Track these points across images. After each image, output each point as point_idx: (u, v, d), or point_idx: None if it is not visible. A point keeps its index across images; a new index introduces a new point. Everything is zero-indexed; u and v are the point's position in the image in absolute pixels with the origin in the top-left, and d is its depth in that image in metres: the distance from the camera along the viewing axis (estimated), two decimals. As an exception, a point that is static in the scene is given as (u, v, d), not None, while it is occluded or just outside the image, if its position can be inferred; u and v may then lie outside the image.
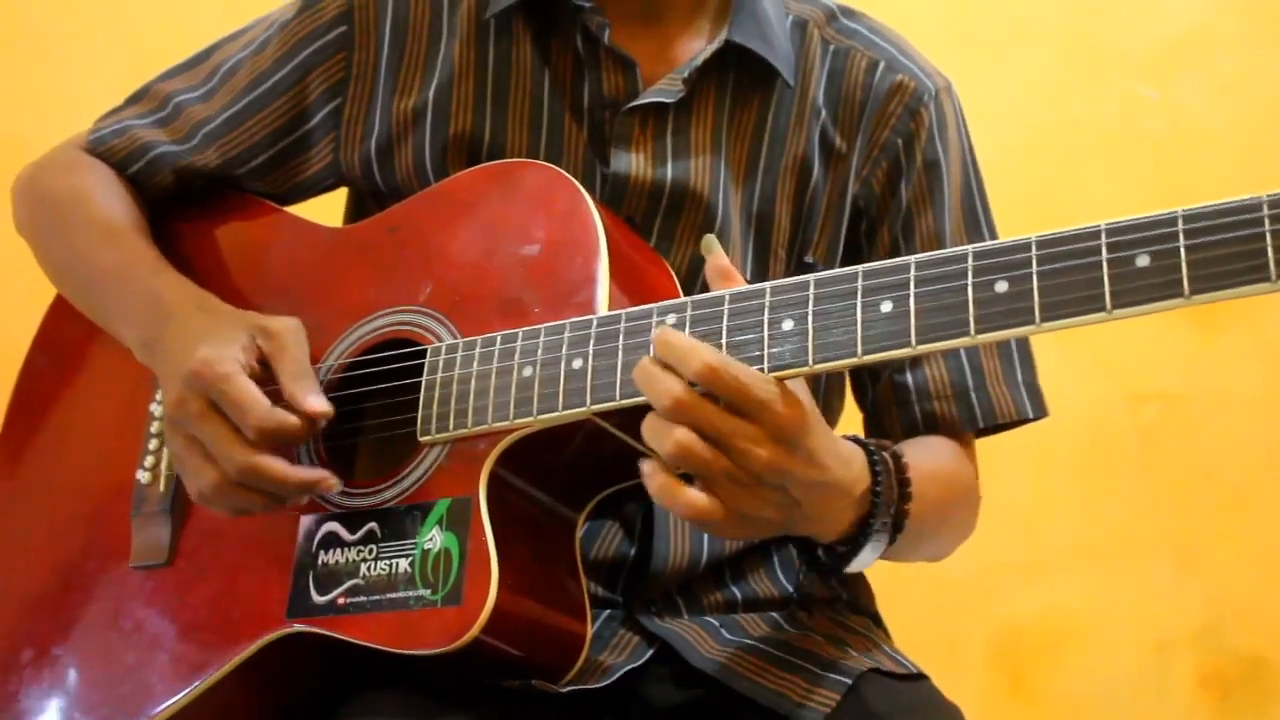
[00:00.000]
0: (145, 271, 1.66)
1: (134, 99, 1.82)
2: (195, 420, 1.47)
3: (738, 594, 1.62)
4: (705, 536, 1.60)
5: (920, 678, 1.58)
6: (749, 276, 1.64)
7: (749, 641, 1.55)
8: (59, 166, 1.80)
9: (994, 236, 1.72)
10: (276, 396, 1.48)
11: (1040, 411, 1.69)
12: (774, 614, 1.62)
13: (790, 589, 1.65)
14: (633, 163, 1.61)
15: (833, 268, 1.64)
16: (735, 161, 1.65)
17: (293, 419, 1.45)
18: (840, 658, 1.53)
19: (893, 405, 1.67)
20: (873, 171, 1.68)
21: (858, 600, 1.71)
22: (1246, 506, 2.74)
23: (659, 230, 1.63)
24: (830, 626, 1.62)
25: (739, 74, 1.66)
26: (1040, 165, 2.89)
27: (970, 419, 1.66)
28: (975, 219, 1.72)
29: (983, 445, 1.72)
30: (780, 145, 1.66)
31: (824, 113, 1.68)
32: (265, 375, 1.50)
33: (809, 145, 1.66)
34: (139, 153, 1.76)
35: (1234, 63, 2.96)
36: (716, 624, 1.58)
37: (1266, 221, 1.14)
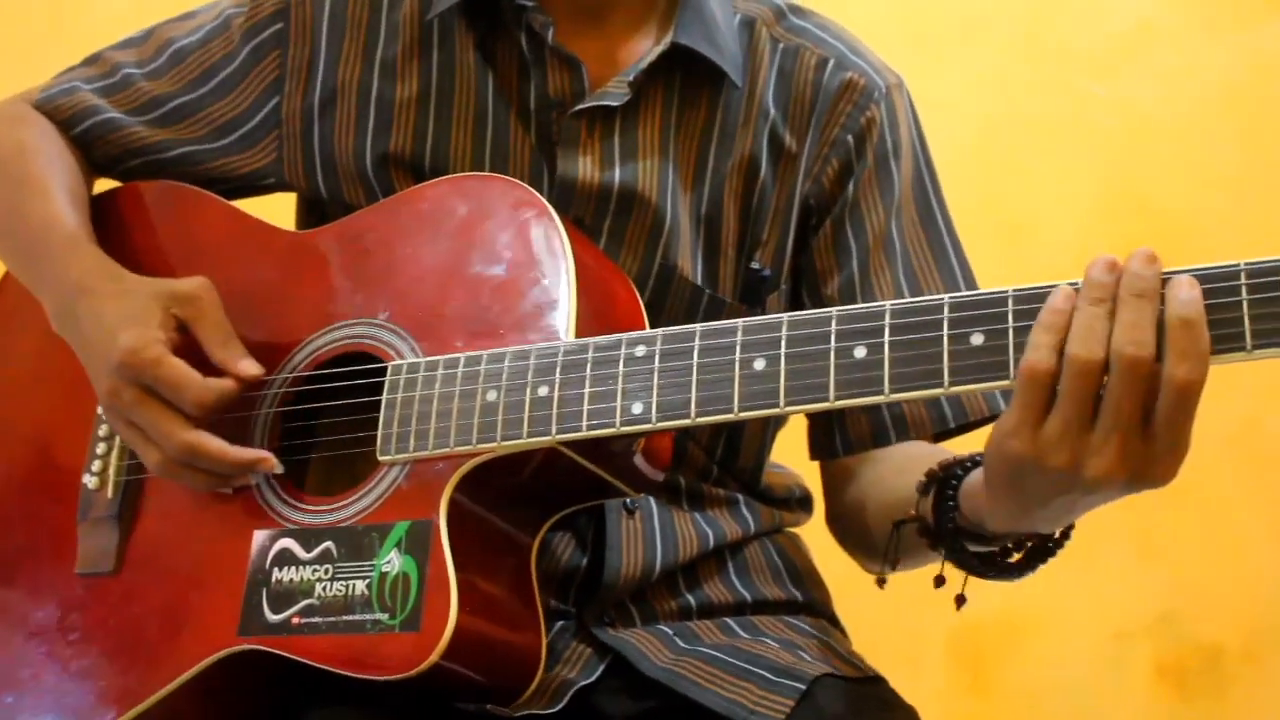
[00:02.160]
0: (61, 238, 1.65)
1: (87, 62, 1.81)
2: (131, 408, 1.50)
3: (692, 601, 1.62)
4: (659, 546, 1.59)
5: (876, 680, 1.58)
6: (699, 279, 1.64)
7: (703, 649, 1.55)
8: (5, 119, 1.79)
9: (950, 232, 1.72)
10: (201, 360, 1.51)
11: None
12: (728, 619, 1.62)
13: (745, 594, 1.64)
14: (580, 166, 1.60)
15: (781, 270, 1.67)
16: (683, 164, 1.64)
17: (230, 384, 1.50)
18: (794, 663, 1.52)
19: (858, 409, 1.64)
20: (823, 169, 1.67)
21: (814, 603, 1.70)
22: (1202, 496, 2.77)
23: (608, 233, 1.61)
24: (785, 630, 1.62)
25: (685, 76, 1.64)
26: (990, 162, 2.90)
27: (940, 418, 1.64)
28: (930, 215, 1.71)
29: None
30: (728, 146, 1.65)
31: (773, 112, 1.66)
32: (186, 340, 1.53)
33: (756, 145, 1.65)
34: (84, 114, 1.76)
35: (1178, 56, 2.98)
36: (670, 632, 1.58)
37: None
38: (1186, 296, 1.15)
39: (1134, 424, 1.17)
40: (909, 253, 1.68)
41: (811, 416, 1.70)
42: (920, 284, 1.67)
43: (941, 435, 1.65)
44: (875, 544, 1.57)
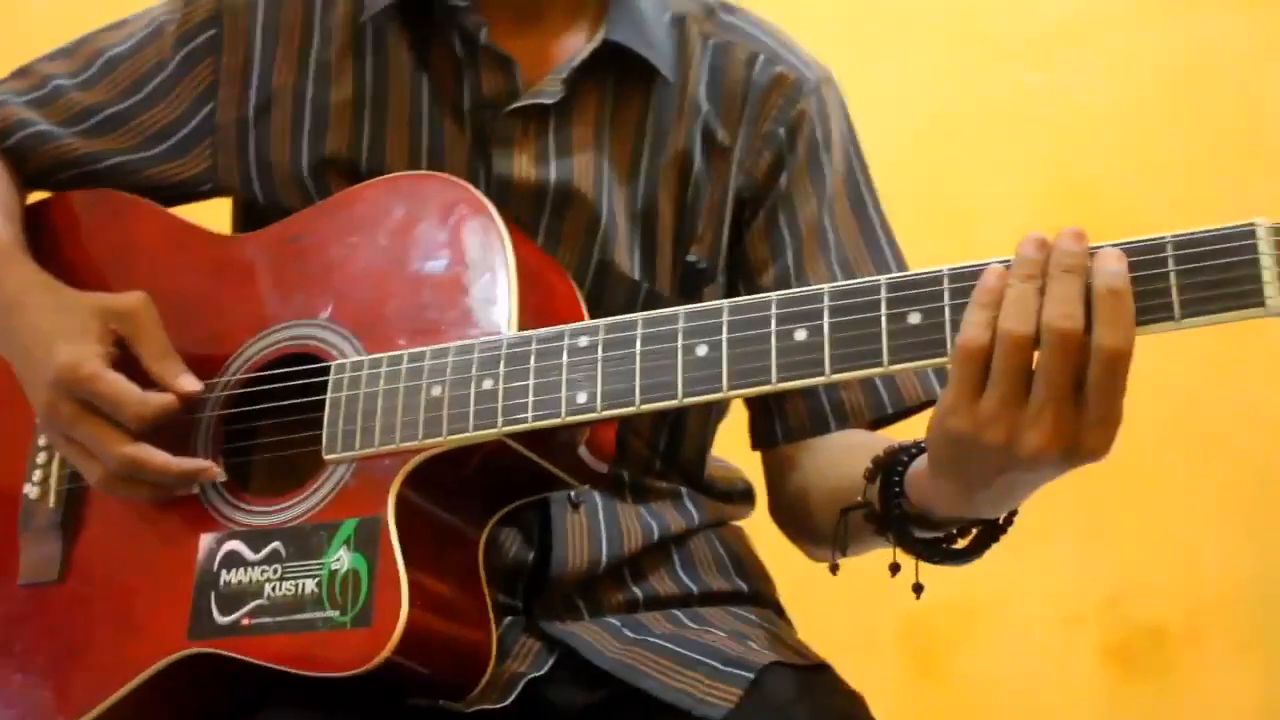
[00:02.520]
0: None
1: (15, 75, 1.79)
2: (70, 423, 1.50)
3: (639, 593, 1.62)
4: (604, 539, 1.60)
5: (822, 667, 1.59)
6: (637, 274, 1.64)
7: (651, 639, 1.55)
8: None
9: (881, 220, 1.73)
10: (140, 374, 1.51)
11: None
12: (676, 611, 1.63)
13: (691, 586, 1.65)
14: (515, 164, 1.61)
15: (718, 263, 1.68)
16: (618, 160, 1.65)
17: (169, 399, 1.50)
18: (743, 652, 1.53)
19: (797, 396, 1.66)
20: (756, 162, 1.68)
21: (760, 593, 1.71)
22: (1143, 480, 2.81)
23: (545, 231, 1.62)
24: (732, 621, 1.63)
25: (619, 72, 1.65)
26: (930, 155, 2.92)
27: (878, 404, 1.65)
28: (861, 206, 1.73)
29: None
30: (662, 141, 1.66)
31: (706, 107, 1.68)
32: (124, 355, 1.53)
33: (690, 141, 1.66)
34: (15, 127, 1.74)
35: (1114, 46, 3.01)
36: (618, 624, 1.59)
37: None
38: (1113, 269, 1.18)
39: (1066, 395, 1.19)
40: (842, 244, 1.70)
41: (752, 406, 1.72)
42: (854, 274, 1.68)
43: (879, 422, 1.67)
44: (821, 531, 1.58)
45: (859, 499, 1.44)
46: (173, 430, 1.51)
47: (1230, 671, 2.88)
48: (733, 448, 1.78)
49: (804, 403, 1.66)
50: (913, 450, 1.40)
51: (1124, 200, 2.88)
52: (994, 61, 3.00)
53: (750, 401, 1.71)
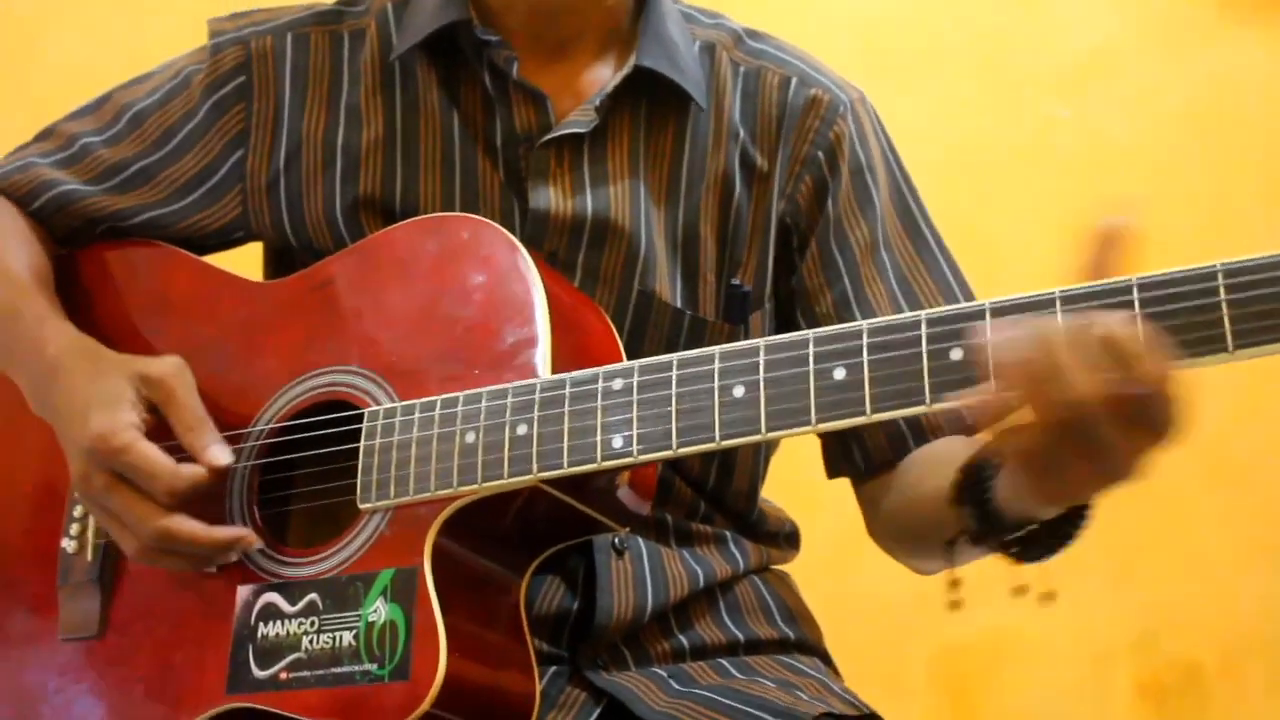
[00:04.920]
0: (32, 319, 1.64)
1: (40, 137, 1.79)
2: (103, 494, 1.49)
3: (685, 642, 1.61)
4: (649, 587, 1.58)
5: (872, 717, 1.57)
6: (679, 303, 1.63)
7: (699, 691, 1.54)
8: None
9: (935, 237, 1.72)
10: (175, 444, 1.49)
11: None
12: (723, 660, 1.61)
13: (738, 634, 1.63)
14: (551, 197, 1.60)
15: (763, 288, 1.67)
16: (655, 187, 1.64)
17: (201, 471, 1.47)
18: (792, 703, 1.51)
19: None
20: (796, 187, 1.67)
21: (806, 640, 1.69)
22: (1178, 516, 2.80)
23: (583, 263, 1.61)
24: (780, 670, 1.61)
25: (651, 99, 1.65)
26: (954, 186, 2.90)
27: (954, 420, 1.59)
28: (913, 222, 1.71)
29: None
30: (699, 168, 1.65)
31: (742, 133, 1.67)
32: (158, 421, 1.51)
33: (729, 166, 1.66)
34: (42, 189, 1.73)
35: (1141, 78, 3.01)
36: (665, 675, 1.57)
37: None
38: (1082, 321, 1.16)
39: (1142, 433, 1.17)
40: (899, 262, 1.68)
41: (825, 435, 1.69)
42: (914, 289, 1.67)
43: (958, 434, 1.62)
44: (925, 546, 1.56)
45: (959, 530, 1.40)
46: (208, 484, 1.50)
47: (1267, 708, 2.86)
48: (778, 486, 1.77)
49: (880, 428, 1.63)
50: (992, 470, 1.35)
51: (1150, 233, 2.87)
52: (1020, 95, 3.01)
53: None
